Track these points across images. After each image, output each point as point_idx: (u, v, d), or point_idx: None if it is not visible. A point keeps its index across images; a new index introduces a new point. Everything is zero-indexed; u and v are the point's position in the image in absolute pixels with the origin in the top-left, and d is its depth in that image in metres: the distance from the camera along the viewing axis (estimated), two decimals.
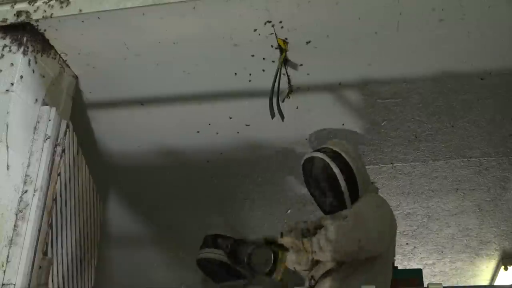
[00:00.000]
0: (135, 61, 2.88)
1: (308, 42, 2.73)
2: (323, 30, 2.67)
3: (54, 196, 2.59)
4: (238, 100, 3.14)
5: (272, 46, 2.75)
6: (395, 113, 3.27)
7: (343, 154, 2.61)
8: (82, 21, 2.63)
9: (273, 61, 2.82)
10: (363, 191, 2.61)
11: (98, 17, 2.61)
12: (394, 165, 3.78)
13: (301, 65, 2.88)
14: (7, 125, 2.47)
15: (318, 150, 2.67)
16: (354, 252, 2.42)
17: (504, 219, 4.43)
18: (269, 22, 2.61)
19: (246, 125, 3.36)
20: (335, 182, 2.58)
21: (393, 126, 3.37)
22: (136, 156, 3.67)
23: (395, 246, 2.74)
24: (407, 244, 4.88)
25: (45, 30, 2.70)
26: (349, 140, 3.45)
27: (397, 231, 4.61)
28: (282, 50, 2.75)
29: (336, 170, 2.57)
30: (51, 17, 2.62)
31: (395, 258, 4.40)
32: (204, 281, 3.41)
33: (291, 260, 2.53)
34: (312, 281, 2.56)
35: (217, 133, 3.44)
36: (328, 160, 2.59)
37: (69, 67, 2.93)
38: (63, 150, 2.67)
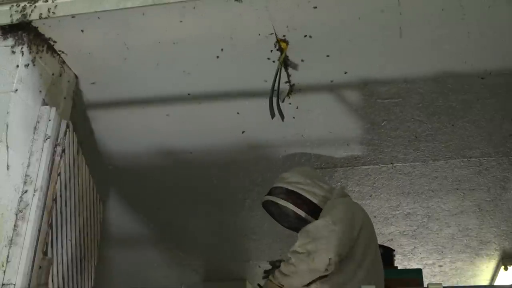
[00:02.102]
0: (135, 61, 2.87)
1: (308, 42, 2.73)
2: (323, 30, 2.67)
3: (54, 196, 2.59)
4: (238, 100, 3.14)
5: (272, 46, 2.75)
6: (395, 113, 3.27)
7: (287, 187, 2.78)
8: (82, 21, 2.63)
9: (273, 61, 2.82)
10: (324, 204, 2.72)
11: (98, 17, 2.61)
12: (394, 165, 3.78)
13: (302, 64, 2.87)
14: (7, 125, 2.47)
15: (269, 193, 2.84)
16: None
17: (504, 219, 4.43)
18: (269, 22, 2.61)
19: (246, 125, 3.36)
20: (294, 214, 2.75)
21: (393, 126, 3.37)
22: (136, 156, 3.66)
23: (375, 244, 2.74)
24: (407, 244, 4.88)
25: (45, 30, 2.69)
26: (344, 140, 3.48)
27: (397, 231, 4.67)
28: (282, 50, 2.75)
29: (289, 205, 2.75)
30: (51, 17, 2.61)
31: (395, 258, 4.42)
32: (204, 281, 3.40)
33: None
34: None
35: (217, 133, 3.44)
36: (277, 200, 2.78)
37: (69, 67, 2.93)
38: (63, 150, 2.66)
